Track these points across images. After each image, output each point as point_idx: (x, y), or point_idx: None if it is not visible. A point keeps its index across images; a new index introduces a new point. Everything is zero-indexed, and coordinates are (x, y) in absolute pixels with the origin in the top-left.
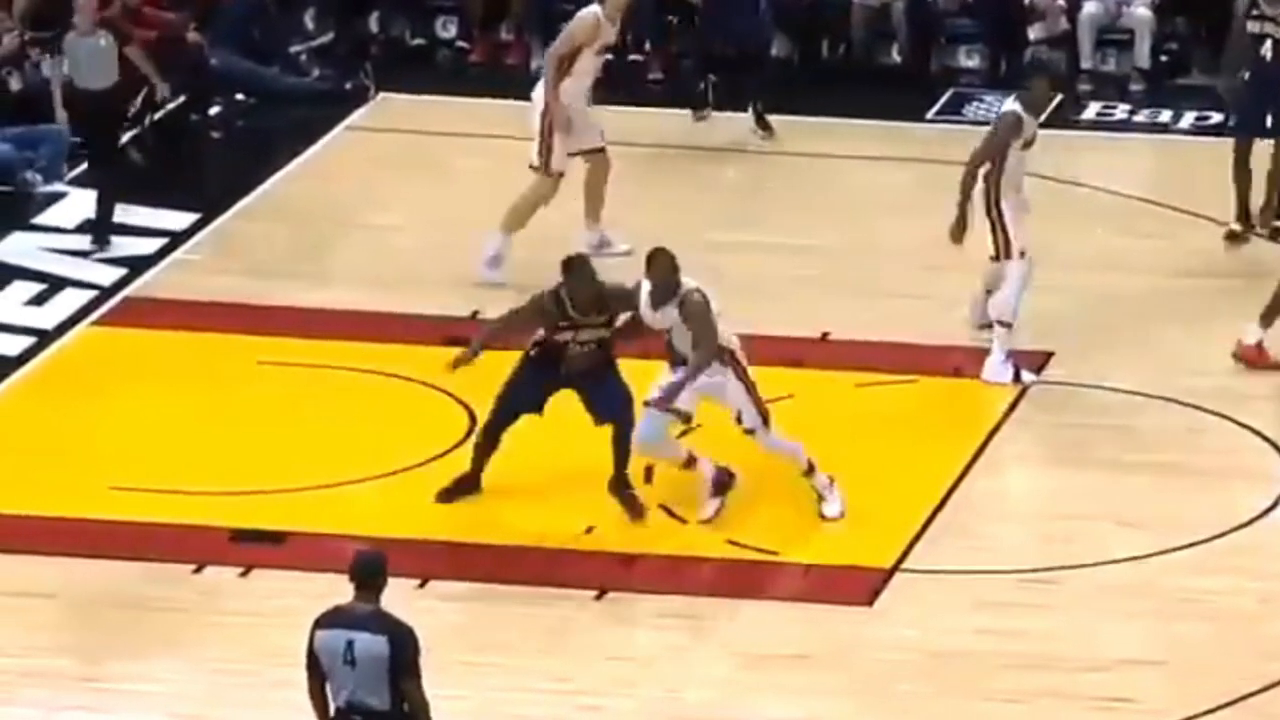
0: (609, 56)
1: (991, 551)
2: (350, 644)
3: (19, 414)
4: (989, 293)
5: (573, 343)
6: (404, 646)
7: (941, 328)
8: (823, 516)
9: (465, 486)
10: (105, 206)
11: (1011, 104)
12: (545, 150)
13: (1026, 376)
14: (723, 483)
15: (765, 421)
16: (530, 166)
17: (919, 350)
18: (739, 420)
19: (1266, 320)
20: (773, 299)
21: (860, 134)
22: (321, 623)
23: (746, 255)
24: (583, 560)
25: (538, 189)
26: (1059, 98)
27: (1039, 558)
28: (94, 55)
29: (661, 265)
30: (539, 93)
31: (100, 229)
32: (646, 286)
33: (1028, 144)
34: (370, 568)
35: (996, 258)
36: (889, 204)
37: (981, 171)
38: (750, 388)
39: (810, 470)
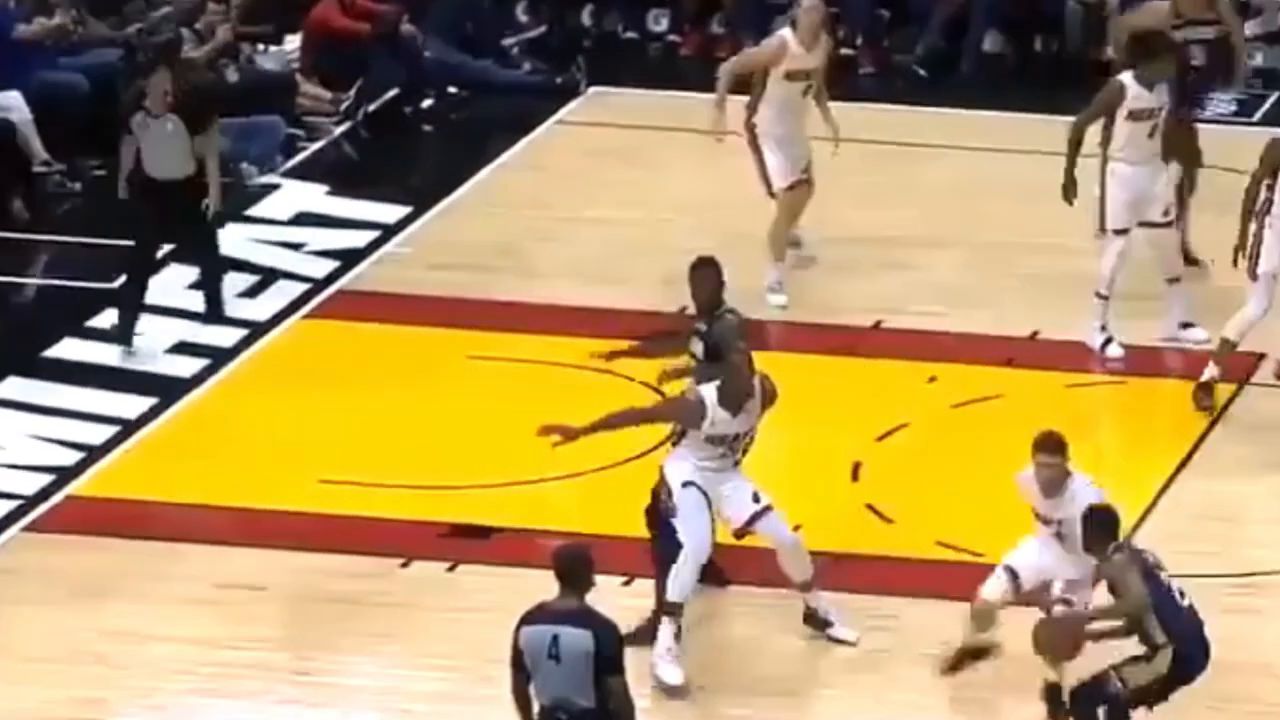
0: (803, 83)
1: (1203, 555)
2: (555, 639)
3: (231, 406)
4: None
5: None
6: (609, 642)
7: (1153, 329)
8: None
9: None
10: (211, 284)
11: (1123, 73)
12: (763, 175)
13: (1113, 351)
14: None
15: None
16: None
17: (1130, 351)
18: (755, 500)
19: None
20: (982, 297)
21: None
22: (527, 619)
23: (954, 253)
24: None
25: (779, 211)
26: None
27: (1251, 562)
28: (162, 141)
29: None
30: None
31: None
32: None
33: (1137, 117)
34: (575, 564)
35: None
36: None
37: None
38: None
39: (807, 585)
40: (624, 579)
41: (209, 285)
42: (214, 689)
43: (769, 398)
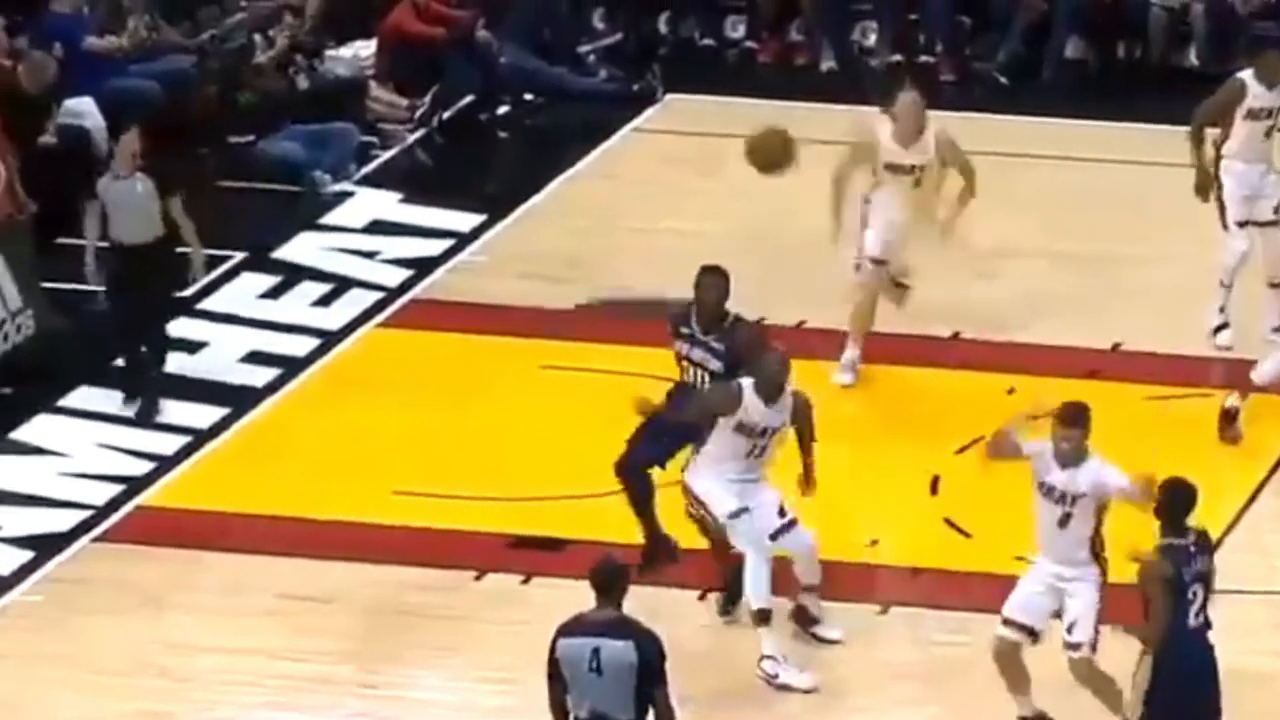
0: (909, 176)
1: None
2: (596, 651)
3: (303, 416)
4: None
5: (684, 360)
6: (651, 653)
7: (1241, 342)
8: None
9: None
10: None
11: (1244, 72)
12: (859, 253)
13: (1222, 338)
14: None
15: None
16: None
17: (1213, 363)
18: (781, 514)
19: None
20: (1063, 308)
21: (1155, 139)
22: (564, 631)
23: (1035, 262)
24: (865, 574)
25: (862, 288)
26: None
27: None
28: (130, 203)
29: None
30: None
31: (148, 397)
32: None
33: (1255, 116)
34: (611, 575)
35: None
36: (1186, 212)
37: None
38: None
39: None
40: (698, 593)
41: (147, 368)
42: (280, 701)
43: (803, 409)
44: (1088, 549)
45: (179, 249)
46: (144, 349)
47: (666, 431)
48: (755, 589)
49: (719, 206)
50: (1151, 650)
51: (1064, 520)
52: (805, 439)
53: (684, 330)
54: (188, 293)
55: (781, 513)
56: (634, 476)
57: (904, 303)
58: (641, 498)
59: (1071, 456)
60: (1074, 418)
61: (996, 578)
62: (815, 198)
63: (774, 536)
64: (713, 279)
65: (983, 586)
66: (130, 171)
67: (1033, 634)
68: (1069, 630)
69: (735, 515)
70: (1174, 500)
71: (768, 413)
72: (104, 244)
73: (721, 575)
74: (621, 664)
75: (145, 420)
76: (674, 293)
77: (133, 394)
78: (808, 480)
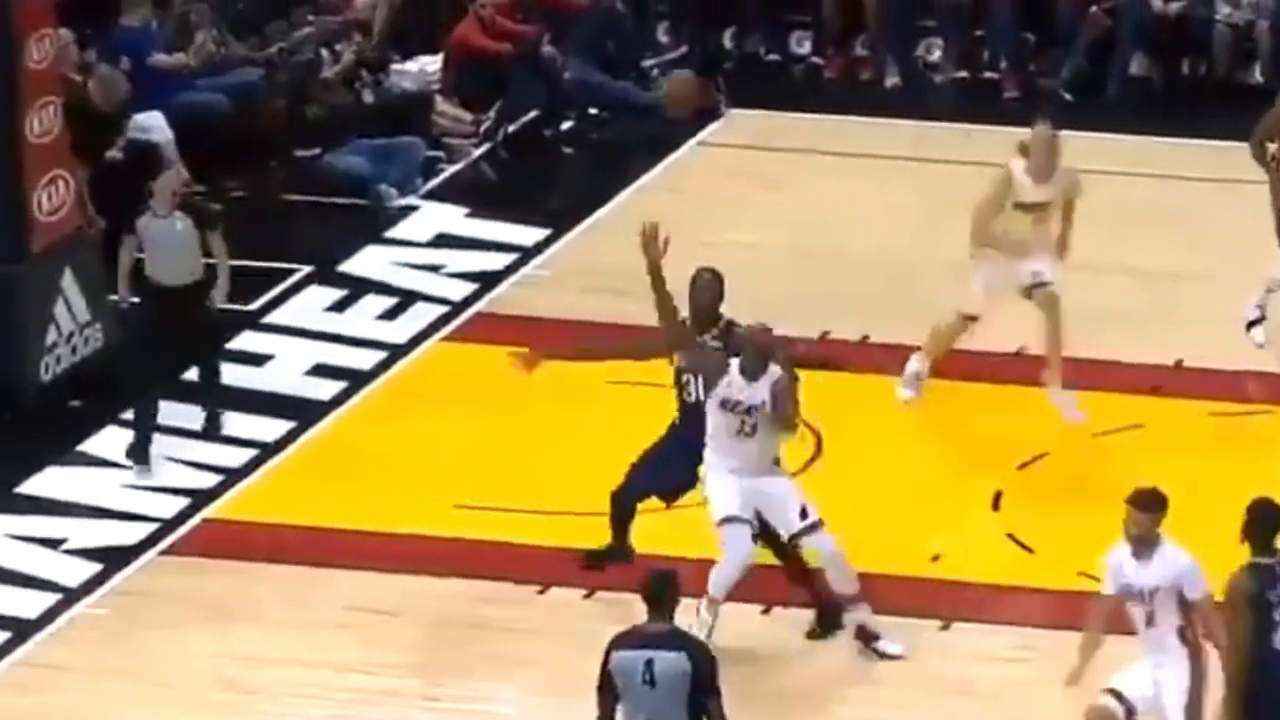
0: (1032, 214)
1: None
2: (649, 663)
3: (368, 429)
4: None
5: (689, 372)
6: (704, 664)
7: None
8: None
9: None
10: (211, 399)
11: None
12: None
13: (1257, 335)
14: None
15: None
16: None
17: (1277, 380)
18: (803, 515)
19: None
20: (1125, 324)
21: (1219, 155)
22: (617, 643)
23: (1097, 278)
24: (928, 589)
25: (947, 326)
26: None
27: None
28: (169, 243)
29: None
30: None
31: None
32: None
33: None
34: (663, 587)
35: None
36: (1249, 228)
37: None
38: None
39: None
40: (763, 608)
41: (209, 400)
42: (347, 715)
43: (783, 386)
44: (1177, 637)
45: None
46: (201, 380)
47: (667, 463)
48: (718, 582)
49: (783, 220)
50: (1228, 671)
51: (1149, 619)
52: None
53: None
54: (253, 306)
55: (804, 514)
56: (626, 502)
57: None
58: (622, 520)
59: (1143, 544)
60: (1145, 502)
61: (1059, 594)
62: (878, 212)
63: (794, 538)
64: (708, 280)
65: (1045, 603)
66: (170, 210)
67: (1128, 707)
68: (1159, 712)
69: (726, 521)
70: (1261, 520)
71: (748, 388)
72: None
73: (812, 597)
74: (675, 675)
75: (138, 462)
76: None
77: (140, 447)
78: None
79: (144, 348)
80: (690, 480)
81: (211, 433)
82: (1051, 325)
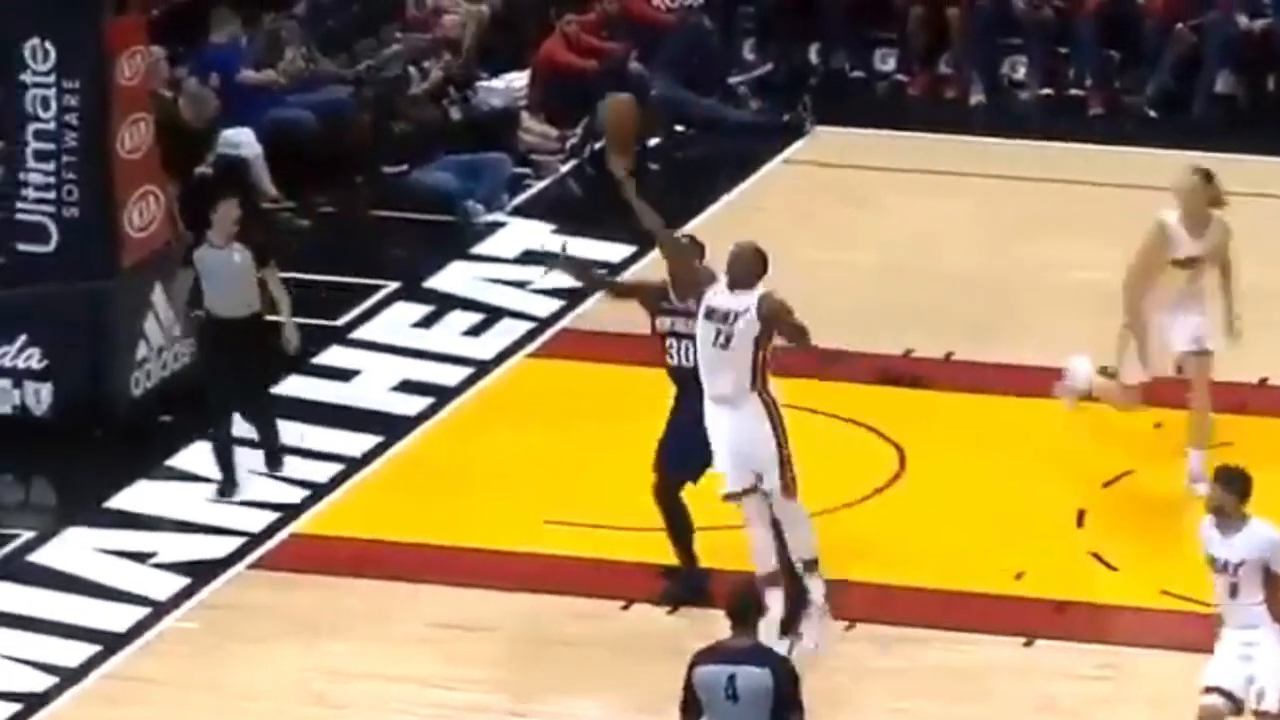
0: (1187, 270)
1: None
2: (732, 678)
3: (454, 445)
4: None
5: (669, 336)
6: (786, 680)
7: None
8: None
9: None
10: (268, 436)
11: None
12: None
13: None
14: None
15: (791, 491)
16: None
17: None
18: (760, 480)
19: None
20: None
21: None
22: (701, 659)
23: None
24: (1012, 606)
25: (1118, 395)
26: None
27: None
28: (227, 274)
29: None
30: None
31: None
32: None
33: None
34: (745, 602)
35: None
36: None
37: None
38: (785, 450)
39: (809, 568)
40: (847, 624)
41: (266, 438)
42: None
43: (772, 303)
44: (1264, 611)
45: (273, 318)
46: (250, 423)
47: (688, 447)
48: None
49: (866, 238)
50: None
51: (1233, 590)
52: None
53: (665, 305)
54: (340, 322)
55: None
56: (673, 502)
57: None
58: (679, 525)
59: (1224, 518)
60: (1226, 478)
61: (1142, 611)
62: (962, 230)
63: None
64: (688, 245)
65: (1129, 620)
66: (227, 241)
67: (1234, 700)
68: (1258, 699)
69: (730, 499)
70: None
71: (731, 297)
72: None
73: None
74: (758, 690)
75: (226, 495)
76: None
77: (226, 472)
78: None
79: (204, 379)
80: (709, 454)
81: (273, 469)
82: (1200, 388)
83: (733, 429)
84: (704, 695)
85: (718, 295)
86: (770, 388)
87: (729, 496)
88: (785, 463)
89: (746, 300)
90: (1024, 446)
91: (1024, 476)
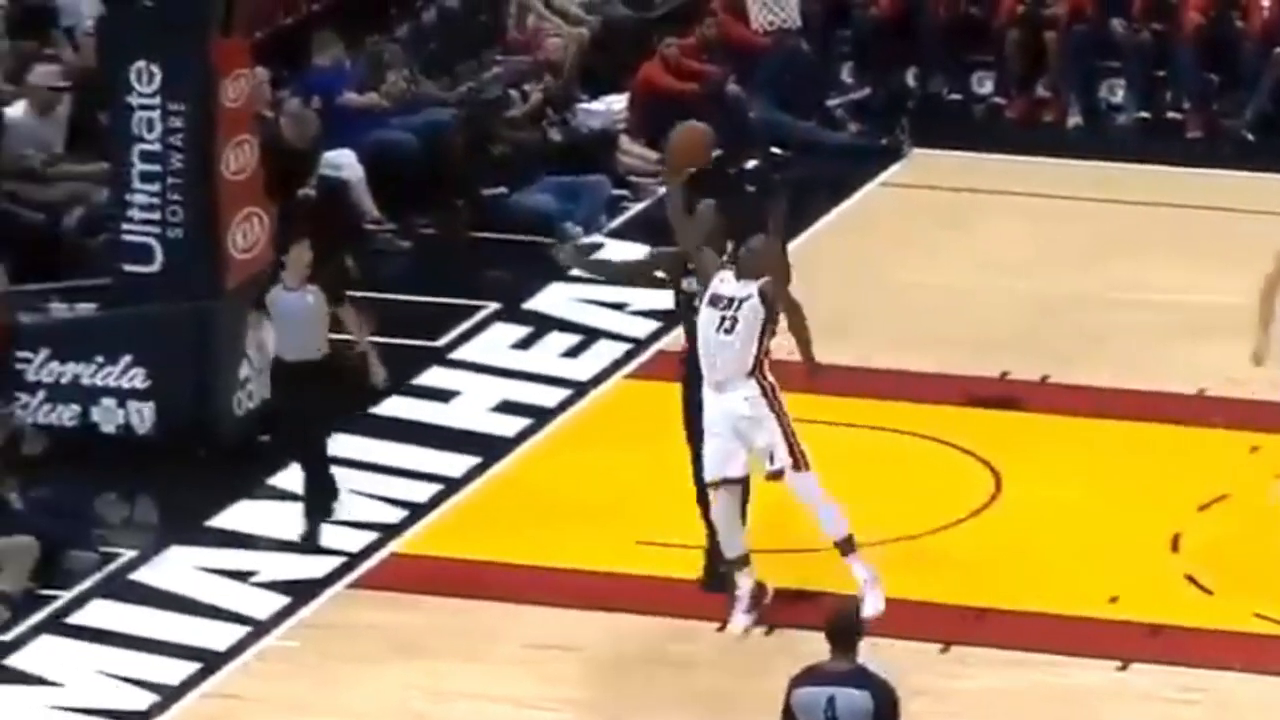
0: None
1: None
2: (831, 700)
3: (552, 466)
4: None
5: (690, 296)
6: (886, 702)
7: None
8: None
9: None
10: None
11: None
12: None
13: None
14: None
15: (801, 465)
16: None
17: None
18: (770, 460)
19: None
20: None
21: None
22: (799, 681)
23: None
24: (1107, 629)
25: None
26: None
27: None
28: (299, 317)
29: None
30: None
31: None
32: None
33: None
34: (846, 624)
35: None
36: None
37: None
38: (787, 426)
39: (847, 547)
40: (941, 646)
41: (314, 499)
42: None
43: (774, 289)
44: None
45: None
46: (308, 473)
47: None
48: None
49: (964, 260)
50: None
51: None
52: (793, 325)
53: (689, 267)
54: (440, 343)
55: (771, 459)
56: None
57: None
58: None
59: None
60: None
61: (1236, 635)
62: (1060, 253)
63: (769, 477)
64: (710, 210)
65: (1224, 644)
66: (300, 283)
67: None
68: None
69: (713, 486)
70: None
71: (737, 285)
72: None
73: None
74: (857, 712)
75: (309, 542)
76: (919, 344)
77: (310, 532)
78: (806, 359)
79: (281, 423)
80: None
81: (309, 542)
82: None
83: (734, 413)
84: (803, 717)
85: (724, 283)
86: (769, 374)
87: (727, 481)
88: (791, 436)
89: (750, 288)
90: (1119, 469)
91: (1119, 499)
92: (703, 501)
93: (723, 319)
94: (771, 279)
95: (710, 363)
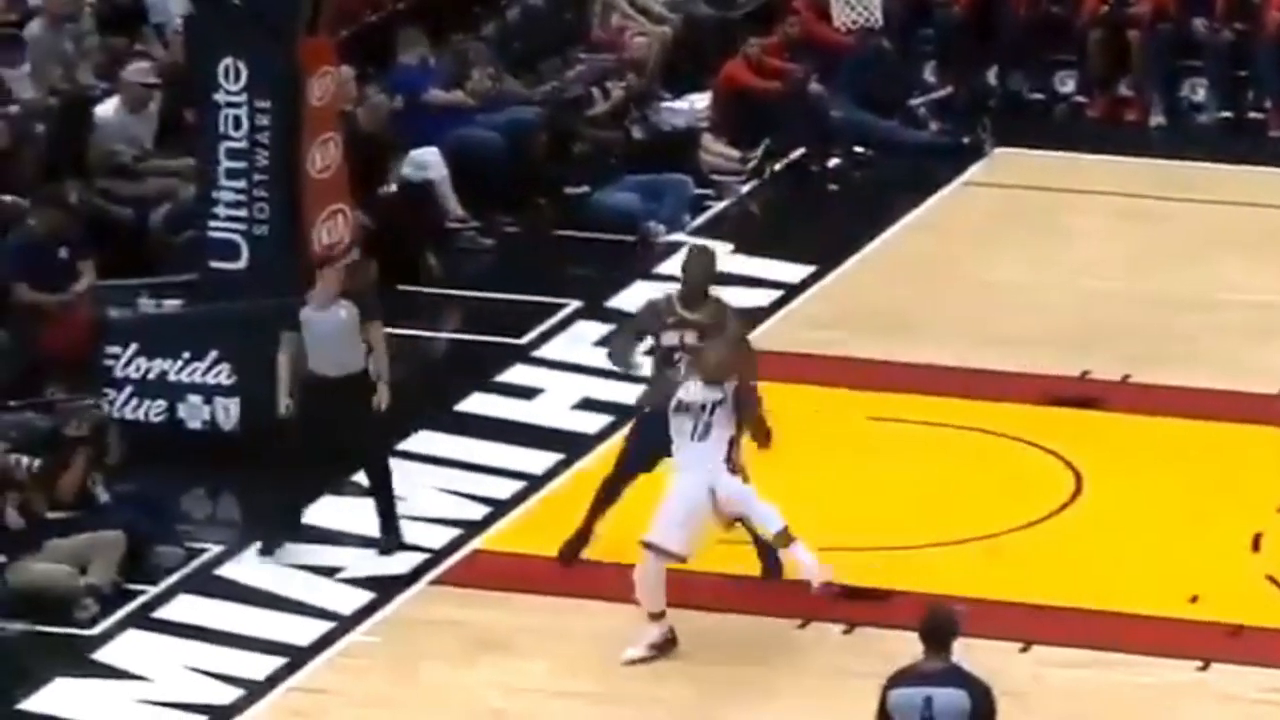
0: None
1: None
2: (928, 700)
3: None
4: None
5: (680, 348)
6: (983, 701)
7: None
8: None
9: (578, 543)
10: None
11: None
12: None
13: None
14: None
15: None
16: None
17: None
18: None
19: None
20: None
21: None
22: (895, 682)
23: None
24: (1188, 630)
25: None
26: None
27: None
28: (333, 332)
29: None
30: None
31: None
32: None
33: None
34: (942, 623)
35: None
36: None
37: None
38: (735, 437)
39: (778, 541)
40: (1021, 645)
41: (382, 504)
42: None
43: (745, 393)
44: None
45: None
46: (375, 485)
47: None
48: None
49: (1045, 259)
50: None
51: None
52: (750, 425)
53: (670, 320)
54: (523, 340)
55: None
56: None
57: None
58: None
59: None
60: None
61: None
62: (1141, 252)
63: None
64: (700, 256)
65: None
66: (330, 301)
67: None
68: None
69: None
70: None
71: (705, 390)
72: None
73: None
74: (954, 712)
75: (392, 543)
76: (998, 342)
77: (389, 527)
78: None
79: (307, 443)
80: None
81: (388, 546)
82: None
83: (704, 501)
84: (899, 717)
85: (689, 390)
86: (741, 459)
87: (662, 552)
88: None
89: (718, 392)
90: (1200, 469)
91: (1200, 499)
92: (603, 492)
93: (695, 425)
94: (740, 383)
95: (684, 461)
